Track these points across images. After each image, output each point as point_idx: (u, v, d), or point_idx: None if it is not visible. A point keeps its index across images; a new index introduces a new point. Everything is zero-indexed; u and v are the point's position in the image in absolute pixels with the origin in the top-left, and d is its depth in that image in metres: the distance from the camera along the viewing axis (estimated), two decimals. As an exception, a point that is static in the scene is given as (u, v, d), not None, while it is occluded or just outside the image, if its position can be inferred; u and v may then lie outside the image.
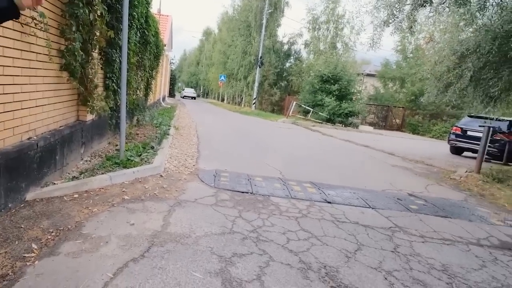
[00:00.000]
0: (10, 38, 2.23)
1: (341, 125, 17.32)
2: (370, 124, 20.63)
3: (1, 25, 2.07)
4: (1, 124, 2.23)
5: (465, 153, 9.85)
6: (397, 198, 4.08)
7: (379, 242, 2.65)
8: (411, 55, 22.38)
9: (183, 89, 40.96)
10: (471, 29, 7.91)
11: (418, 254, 2.52)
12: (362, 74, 26.39)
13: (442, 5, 7.53)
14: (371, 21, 8.99)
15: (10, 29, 2.22)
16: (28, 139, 2.61)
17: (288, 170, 4.93)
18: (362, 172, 5.69)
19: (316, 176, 4.77)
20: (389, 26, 8.60)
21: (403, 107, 21.15)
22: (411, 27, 8.58)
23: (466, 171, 6.01)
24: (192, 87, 44.76)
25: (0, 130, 2.23)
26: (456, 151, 9.96)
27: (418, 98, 19.95)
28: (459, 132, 9.51)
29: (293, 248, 2.36)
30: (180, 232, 2.37)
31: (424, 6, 7.85)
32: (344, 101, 17.51)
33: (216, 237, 2.37)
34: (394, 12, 8.25)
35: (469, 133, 9.20)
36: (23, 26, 2.36)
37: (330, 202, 3.57)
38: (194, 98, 35.66)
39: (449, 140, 9.98)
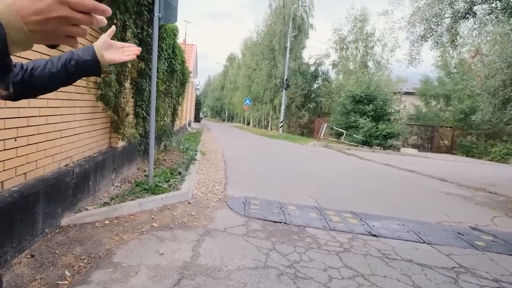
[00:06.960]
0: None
1: (379, 147, 16.70)
2: (414, 146, 19.63)
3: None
4: (43, 152, 2.46)
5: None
6: (457, 232, 3.73)
7: (441, 286, 2.41)
8: (454, 70, 21.52)
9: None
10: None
11: (491, 301, 2.25)
12: (399, 92, 25.69)
13: (489, 16, 7.29)
14: (407, 37, 8.94)
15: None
16: (65, 166, 2.83)
17: (324, 198, 4.78)
18: (410, 201, 5.34)
19: (356, 205, 4.56)
20: (427, 41, 8.44)
21: (451, 127, 19.99)
22: (453, 40, 8.35)
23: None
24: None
25: (42, 157, 2.46)
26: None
27: (468, 116, 18.81)
28: None
29: None
30: (210, 264, 2.35)
31: (467, 18, 7.65)
32: (381, 122, 17.02)
33: (250, 272, 2.31)
34: (432, 26, 8.12)
35: None
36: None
37: (375, 235, 3.36)
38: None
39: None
